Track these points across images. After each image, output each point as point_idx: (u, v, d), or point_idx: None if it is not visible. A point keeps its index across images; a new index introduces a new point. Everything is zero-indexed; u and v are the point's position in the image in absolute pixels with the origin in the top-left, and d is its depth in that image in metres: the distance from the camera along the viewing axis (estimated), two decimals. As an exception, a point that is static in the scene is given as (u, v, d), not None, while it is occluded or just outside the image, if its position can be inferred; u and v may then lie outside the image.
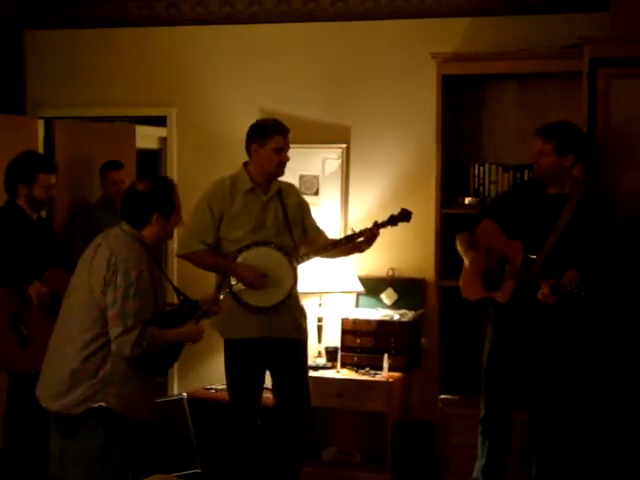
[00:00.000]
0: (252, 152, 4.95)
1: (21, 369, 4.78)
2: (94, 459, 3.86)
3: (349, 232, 5.05)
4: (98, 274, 3.82)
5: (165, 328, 3.91)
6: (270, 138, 4.88)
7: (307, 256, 5.01)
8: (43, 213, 5.39)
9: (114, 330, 3.78)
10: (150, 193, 3.92)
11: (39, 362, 4.07)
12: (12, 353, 4.77)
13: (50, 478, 4.10)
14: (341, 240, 5.04)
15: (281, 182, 5.08)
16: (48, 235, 5.13)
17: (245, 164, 5.01)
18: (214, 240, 4.91)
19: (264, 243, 4.89)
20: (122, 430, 3.93)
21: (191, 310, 4.06)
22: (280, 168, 4.95)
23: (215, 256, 4.91)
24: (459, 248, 4.89)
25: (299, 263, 4.96)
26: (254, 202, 4.93)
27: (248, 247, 4.86)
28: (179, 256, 5.03)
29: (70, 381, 3.83)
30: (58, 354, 3.93)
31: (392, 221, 5.03)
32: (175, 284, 4.42)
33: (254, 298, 4.86)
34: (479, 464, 4.90)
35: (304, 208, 5.13)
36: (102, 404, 3.83)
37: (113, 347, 3.81)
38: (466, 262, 4.83)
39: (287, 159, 4.95)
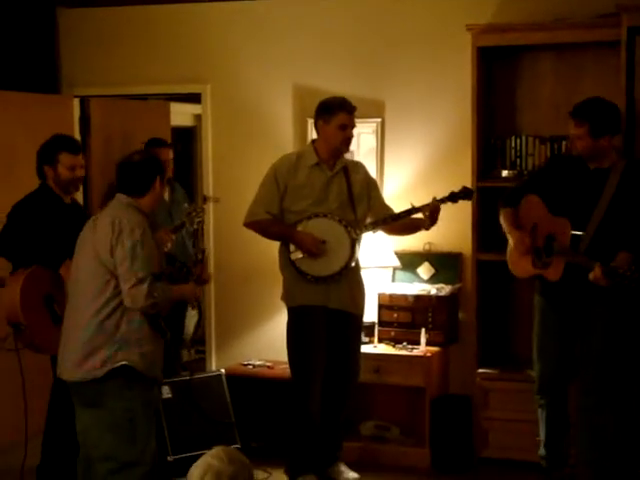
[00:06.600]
0: (318, 129, 5.11)
1: (54, 350, 4.78)
2: (123, 424, 3.94)
3: (409, 207, 5.06)
4: (103, 239, 3.99)
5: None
6: (335, 115, 5.01)
7: (367, 227, 5.06)
8: (79, 197, 5.40)
9: (126, 284, 3.93)
10: (149, 160, 4.23)
11: None
12: (46, 332, 4.77)
13: (81, 462, 4.15)
14: (400, 214, 5.08)
15: (348, 160, 5.24)
16: (80, 218, 5.15)
17: (313, 141, 5.17)
18: (278, 211, 5.04)
19: (325, 215, 4.99)
20: (145, 392, 4.01)
21: (187, 275, 4.32)
22: (345, 144, 5.08)
23: (278, 224, 5.05)
24: (503, 225, 4.86)
25: (359, 235, 5.01)
26: (318, 176, 5.06)
27: (309, 218, 5.00)
28: (246, 224, 5.12)
29: (89, 347, 3.95)
30: (72, 327, 4.04)
31: (452, 198, 5.03)
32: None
33: (311, 267, 4.98)
34: (541, 438, 4.85)
35: (371, 186, 5.23)
36: (124, 362, 3.93)
37: (127, 300, 3.94)
38: (511, 242, 4.80)
39: (352, 136, 5.10)
